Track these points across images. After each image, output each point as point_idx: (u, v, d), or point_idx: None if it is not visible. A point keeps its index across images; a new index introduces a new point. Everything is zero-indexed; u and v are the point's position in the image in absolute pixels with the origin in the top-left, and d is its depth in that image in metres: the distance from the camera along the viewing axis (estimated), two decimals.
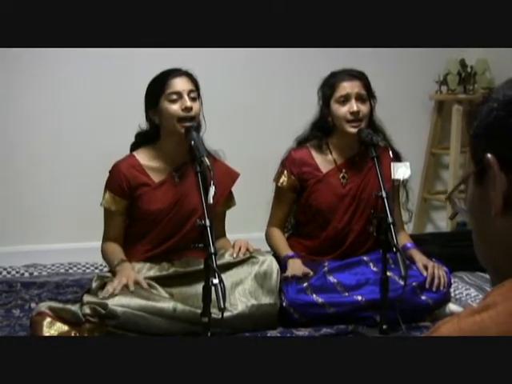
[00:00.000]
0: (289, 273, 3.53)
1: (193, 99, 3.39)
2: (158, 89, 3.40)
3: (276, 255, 3.65)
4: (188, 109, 3.35)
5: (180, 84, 3.39)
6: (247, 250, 3.52)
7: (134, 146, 3.58)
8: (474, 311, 1.05)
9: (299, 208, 3.79)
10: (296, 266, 3.57)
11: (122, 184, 3.46)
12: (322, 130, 3.69)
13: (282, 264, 3.57)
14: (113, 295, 3.24)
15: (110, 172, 3.51)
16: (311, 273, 3.55)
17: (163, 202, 3.49)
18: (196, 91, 3.43)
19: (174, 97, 3.37)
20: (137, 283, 3.30)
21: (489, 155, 1.08)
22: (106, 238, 3.56)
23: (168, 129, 3.42)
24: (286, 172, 3.71)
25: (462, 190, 1.16)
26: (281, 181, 3.73)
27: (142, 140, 3.56)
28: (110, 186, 3.50)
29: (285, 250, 3.68)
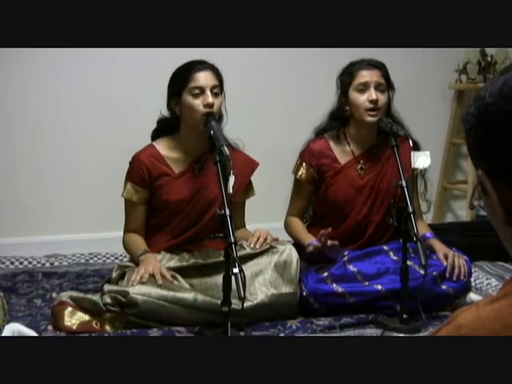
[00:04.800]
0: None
1: (215, 95, 3.39)
2: (181, 81, 3.40)
3: (296, 244, 3.65)
4: (210, 105, 3.35)
5: (204, 79, 3.38)
6: (265, 240, 3.52)
7: (155, 133, 3.59)
8: (493, 299, 1.06)
9: (317, 200, 3.78)
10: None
11: (143, 174, 3.47)
12: (340, 119, 3.69)
13: (305, 251, 3.54)
14: (137, 283, 3.26)
15: (130, 163, 3.52)
16: (336, 243, 3.50)
17: (183, 192, 3.49)
18: (219, 86, 3.42)
19: (197, 91, 3.37)
20: (163, 276, 3.30)
21: (480, 172, 1.09)
22: (127, 230, 3.57)
23: (188, 121, 3.43)
24: (304, 164, 3.71)
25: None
26: (299, 173, 3.72)
27: (162, 127, 3.57)
28: (130, 176, 3.51)
29: (307, 237, 3.66)
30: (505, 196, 1.06)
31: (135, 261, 3.46)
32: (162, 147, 3.53)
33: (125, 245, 3.57)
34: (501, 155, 1.06)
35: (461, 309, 1.08)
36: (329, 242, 3.43)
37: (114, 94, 4.62)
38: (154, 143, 3.55)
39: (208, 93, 3.36)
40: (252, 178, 3.67)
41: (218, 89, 3.41)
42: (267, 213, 4.35)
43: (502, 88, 1.07)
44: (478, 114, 1.08)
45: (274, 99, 4.87)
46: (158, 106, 3.54)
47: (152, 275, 3.29)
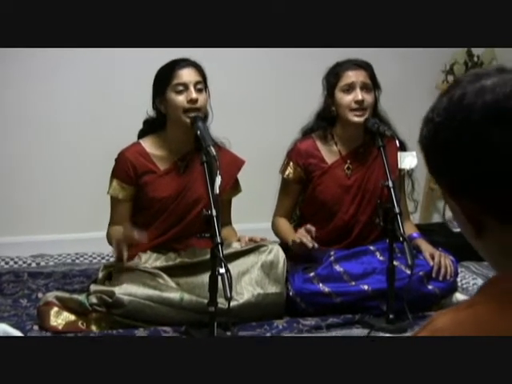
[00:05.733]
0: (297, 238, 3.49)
1: (199, 91, 3.39)
2: (164, 79, 3.41)
3: (283, 244, 3.65)
4: (193, 101, 3.36)
5: (186, 75, 3.39)
6: (251, 240, 3.53)
7: (142, 133, 3.59)
8: (470, 304, 1.07)
9: (305, 200, 3.78)
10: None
11: (129, 171, 3.47)
12: (326, 120, 3.69)
13: (291, 248, 3.55)
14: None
15: (115, 160, 3.52)
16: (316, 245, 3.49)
17: (168, 190, 3.50)
18: (203, 82, 3.43)
19: (180, 88, 3.38)
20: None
21: (443, 192, 1.11)
22: (111, 224, 3.56)
23: (174, 119, 3.43)
24: (291, 164, 3.71)
25: None
26: (287, 172, 3.73)
27: (149, 127, 3.57)
28: (116, 173, 3.51)
29: (292, 235, 3.66)
30: (468, 211, 1.08)
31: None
32: (148, 144, 3.53)
33: (108, 236, 3.54)
34: (456, 172, 1.08)
35: (438, 312, 1.10)
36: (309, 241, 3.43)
37: (109, 94, 4.60)
38: (140, 141, 3.56)
39: (191, 89, 3.37)
40: (240, 178, 3.67)
41: (202, 85, 3.42)
42: (255, 213, 4.35)
43: (448, 106, 1.09)
44: (429, 135, 1.11)
45: (264, 99, 4.86)
46: (147, 108, 3.54)
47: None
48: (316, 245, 3.43)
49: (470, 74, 1.11)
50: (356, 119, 3.56)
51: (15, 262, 4.24)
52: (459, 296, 3.59)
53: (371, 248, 3.63)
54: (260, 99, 4.86)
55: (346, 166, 3.71)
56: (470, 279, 3.96)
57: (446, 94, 1.11)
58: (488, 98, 1.06)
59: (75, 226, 4.62)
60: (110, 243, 3.55)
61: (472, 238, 1.11)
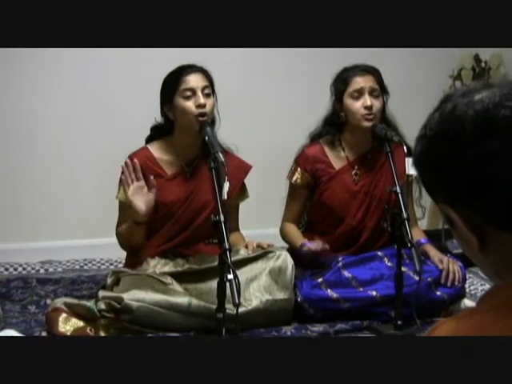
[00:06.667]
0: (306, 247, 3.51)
1: (207, 95, 3.41)
2: (172, 85, 3.42)
3: (291, 250, 3.65)
4: (202, 105, 3.37)
5: (194, 81, 3.41)
6: (259, 246, 3.53)
7: (149, 139, 3.60)
8: (473, 312, 1.08)
9: (312, 206, 3.78)
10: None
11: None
12: (334, 125, 3.70)
13: (299, 252, 3.56)
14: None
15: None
16: (327, 246, 3.51)
17: (175, 195, 3.51)
18: (210, 87, 3.44)
19: (188, 93, 3.39)
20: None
21: (441, 205, 1.11)
22: (118, 227, 3.57)
23: (183, 124, 3.44)
24: (299, 169, 3.72)
25: None
26: (294, 178, 3.73)
27: (156, 133, 3.58)
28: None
29: (300, 239, 3.66)
30: (472, 222, 1.08)
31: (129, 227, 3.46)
32: (155, 149, 3.55)
33: (118, 235, 3.56)
34: (456, 183, 1.08)
35: (441, 320, 1.10)
36: (319, 245, 3.45)
37: (110, 100, 4.61)
38: (148, 145, 3.57)
39: (199, 94, 3.38)
40: (247, 184, 3.68)
41: (209, 89, 3.43)
42: (262, 219, 4.35)
43: (440, 119, 1.12)
44: (424, 150, 1.13)
45: (271, 103, 4.86)
46: (154, 112, 3.55)
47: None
48: (327, 245, 3.44)
49: (460, 90, 1.14)
50: (366, 123, 3.56)
51: (24, 269, 4.25)
52: (467, 302, 3.58)
53: (379, 254, 3.62)
54: (267, 104, 4.86)
55: (354, 171, 3.71)
56: (479, 285, 3.95)
57: (438, 110, 1.13)
58: (478, 107, 1.08)
59: (83, 232, 4.62)
60: (120, 237, 3.55)
61: (473, 250, 1.11)
